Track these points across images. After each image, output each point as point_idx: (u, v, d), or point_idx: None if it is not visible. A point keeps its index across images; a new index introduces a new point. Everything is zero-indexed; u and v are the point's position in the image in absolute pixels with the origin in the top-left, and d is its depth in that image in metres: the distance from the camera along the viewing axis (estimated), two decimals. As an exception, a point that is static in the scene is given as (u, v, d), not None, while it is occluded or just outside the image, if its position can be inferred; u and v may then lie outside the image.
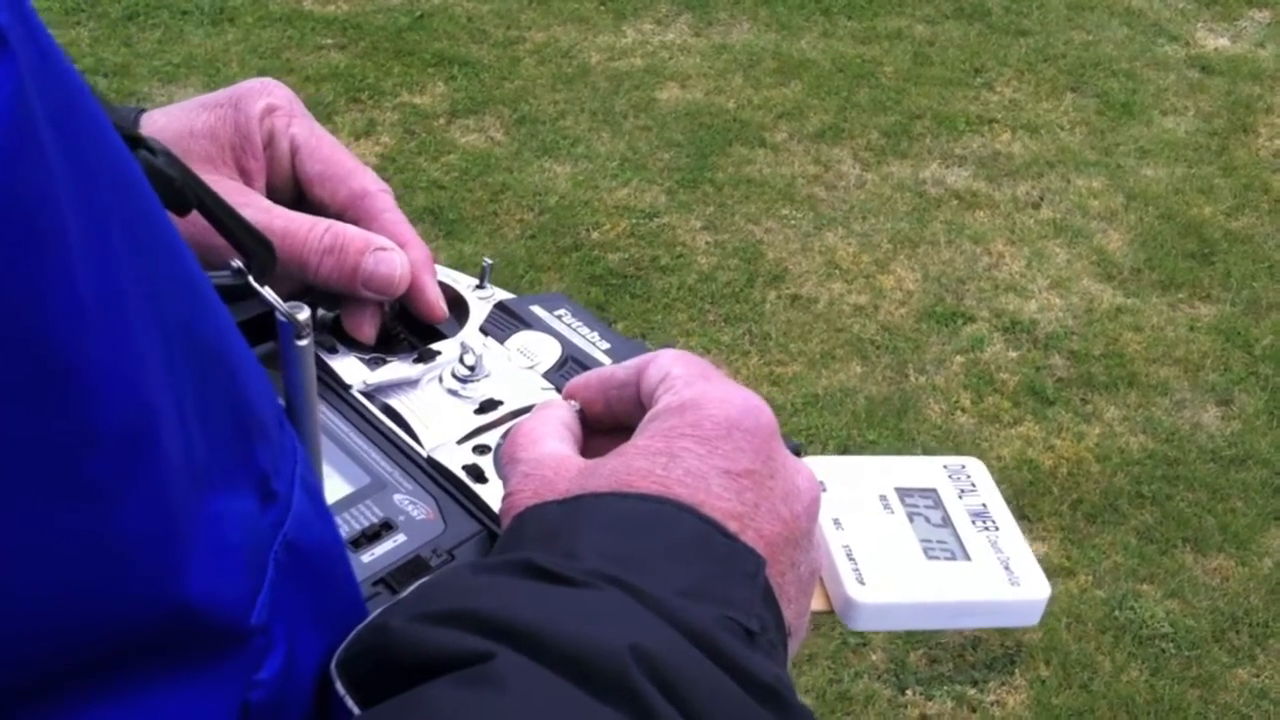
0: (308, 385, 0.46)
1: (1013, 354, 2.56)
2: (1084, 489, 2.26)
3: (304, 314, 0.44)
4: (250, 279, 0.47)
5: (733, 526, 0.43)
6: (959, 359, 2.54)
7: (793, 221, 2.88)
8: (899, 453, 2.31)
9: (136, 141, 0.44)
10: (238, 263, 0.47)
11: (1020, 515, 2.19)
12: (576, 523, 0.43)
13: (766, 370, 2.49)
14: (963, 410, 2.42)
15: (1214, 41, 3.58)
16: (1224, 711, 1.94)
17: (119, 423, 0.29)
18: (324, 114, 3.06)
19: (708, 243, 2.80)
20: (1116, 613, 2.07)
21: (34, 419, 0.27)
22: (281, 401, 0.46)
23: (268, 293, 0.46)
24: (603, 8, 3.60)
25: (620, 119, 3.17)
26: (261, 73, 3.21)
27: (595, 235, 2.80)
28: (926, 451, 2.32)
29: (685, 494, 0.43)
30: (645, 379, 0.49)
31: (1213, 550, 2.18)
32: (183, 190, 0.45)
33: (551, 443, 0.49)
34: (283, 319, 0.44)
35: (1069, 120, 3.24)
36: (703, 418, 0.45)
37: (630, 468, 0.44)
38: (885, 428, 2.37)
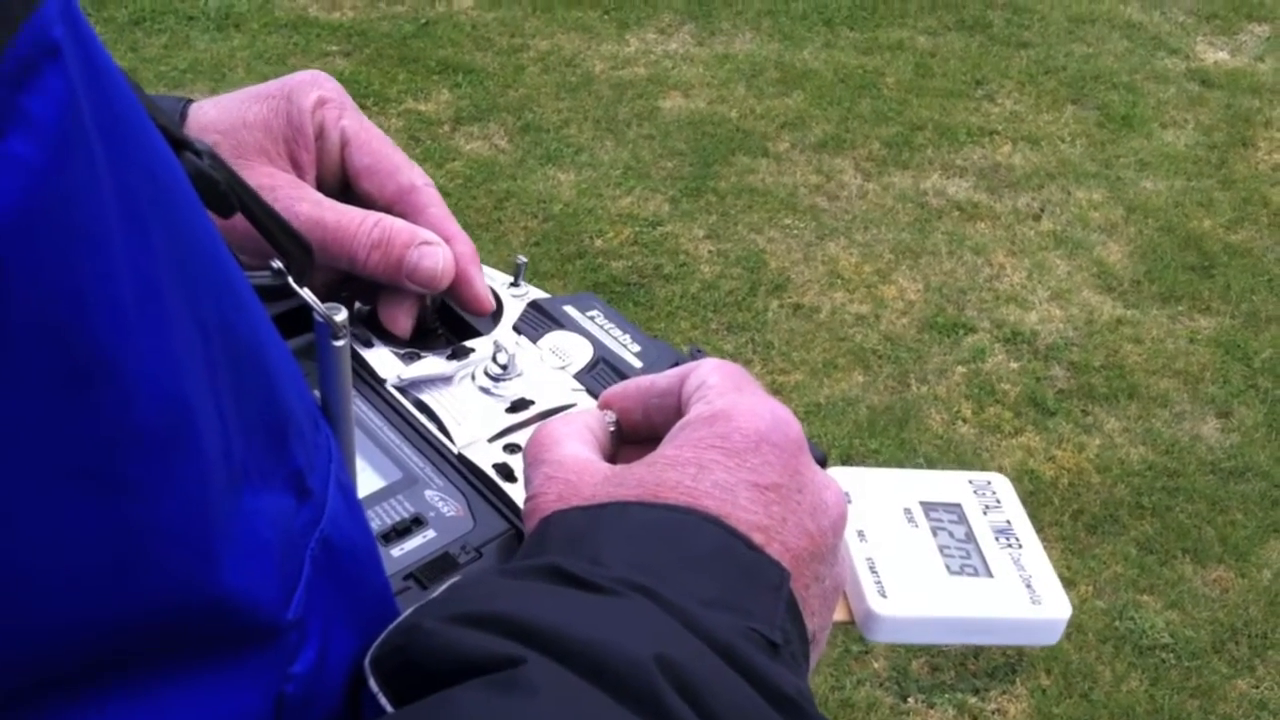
0: (343, 385, 0.46)
1: (1014, 365, 2.57)
2: (1084, 499, 2.28)
3: (341, 315, 0.45)
4: (290, 280, 0.47)
5: (758, 539, 0.44)
6: (960, 369, 2.55)
7: (795, 231, 2.89)
8: (901, 463, 2.32)
9: (182, 144, 0.44)
10: (277, 263, 0.48)
11: (1021, 525, 2.20)
12: (603, 530, 0.43)
13: (769, 379, 2.50)
14: (964, 420, 2.44)
15: (1213, 55, 3.61)
16: (1223, 722, 1.95)
17: (156, 420, 0.30)
18: (329, 120, 3.07)
19: (710, 251, 2.82)
20: (1117, 623, 2.08)
21: (73, 416, 0.27)
22: (317, 396, 0.47)
23: (306, 294, 0.46)
24: (606, 17, 3.62)
25: (624, 128, 3.18)
26: (266, 78, 3.21)
27: (599, 243, 2.81)
28: (929, 462, 2.33)
29: (713, 506, 0.44)
30: (686, 387, 0.50)
31: (1212, 562, 2.19)
32: (226, 193, 0.46)
33: (573, 444, 0.49)
34: (320, 319, 0.45)
35: (1069, 132, 3.26)
36: (732, 430, 0.46)
37: (659, 478, 0.45)
38: (887, 437, 2.38)
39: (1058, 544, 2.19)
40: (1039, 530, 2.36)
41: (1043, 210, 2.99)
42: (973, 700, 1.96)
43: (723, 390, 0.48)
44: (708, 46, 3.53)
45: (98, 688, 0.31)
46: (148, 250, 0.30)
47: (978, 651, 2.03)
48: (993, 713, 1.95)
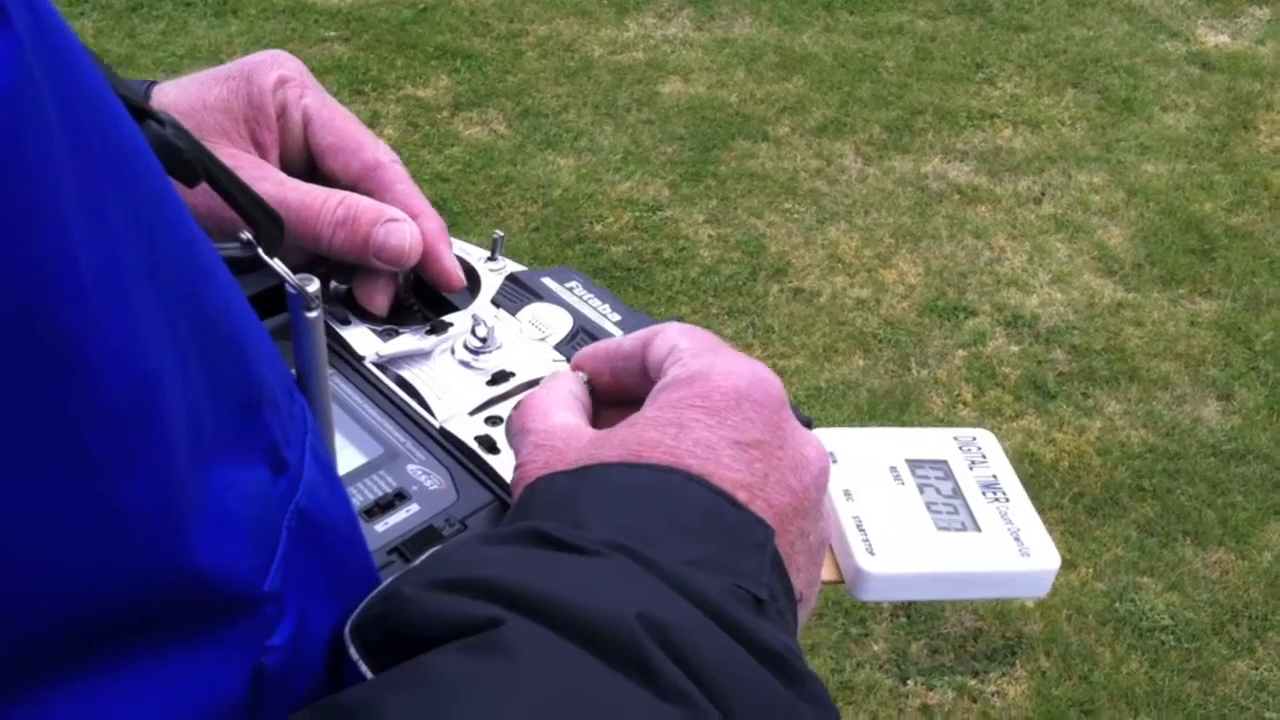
0: (318, 357, 0.46)
1: (1014, 348, 2.57)
2: (1085, 482, 2.27)
3: (313, 286, 0.44)
4: (260, 251, 0.47)
5: (742, 497, 0.43)
6: (961, 352, 2.55)
7: (795, 215, 2.88)
8: (901, 446, 2.32)
9: (144, 114, 0.44)
10: (246, 235, 0.47)
11: (1021, 508, 2.20)
12: (585, 492, 0.43)
13: (769, 363, 2.49)
14: (964, 404, 2.43)
15: (1214, 38, 3.59)
16: (1223, 703, 1.95)
17: (122, 396, 0.29)
18: (327, 106, 3.06)
19: (710, 236, 2.81)
20: (1117, 605, 2.08)
21: (35, 392, 0.27)
22: (293, 373, 0.47)
23: (277, 265, 0.46)
24: (604, 2, 3.61)
25: (623, 112, 3.17)
26: (265, 64, 3.21)
27: (599, 228, 2.81)
28: (928, 444, 2.33)
29: (695, 464, 0.44)
30: (652, 351, 0.50)
31: (1213, 544, 2.19)
32: (191, 162, 0.45)
33: (561, 414, 0.49)
34: (292, 291, 0.44)
35: (1070, 116, 3.25)
36: (711, 389, 0.46)
37: (640, 438, 0.45)
38: (887, 420, 2.38)
39: (1058, 526, 2.19)
40: (1040, 513, 2.36)
41: (1043, 194, 2.99)
42: (972, 682, 1.96)
43: (697, 351, 0.48)
44: (707, 31, 3.52)
45: (73, 666, 0.31)
46: (106, 222, 0.29)
47: (977, 634, 2.03)
48: (992, 695, 1.95)
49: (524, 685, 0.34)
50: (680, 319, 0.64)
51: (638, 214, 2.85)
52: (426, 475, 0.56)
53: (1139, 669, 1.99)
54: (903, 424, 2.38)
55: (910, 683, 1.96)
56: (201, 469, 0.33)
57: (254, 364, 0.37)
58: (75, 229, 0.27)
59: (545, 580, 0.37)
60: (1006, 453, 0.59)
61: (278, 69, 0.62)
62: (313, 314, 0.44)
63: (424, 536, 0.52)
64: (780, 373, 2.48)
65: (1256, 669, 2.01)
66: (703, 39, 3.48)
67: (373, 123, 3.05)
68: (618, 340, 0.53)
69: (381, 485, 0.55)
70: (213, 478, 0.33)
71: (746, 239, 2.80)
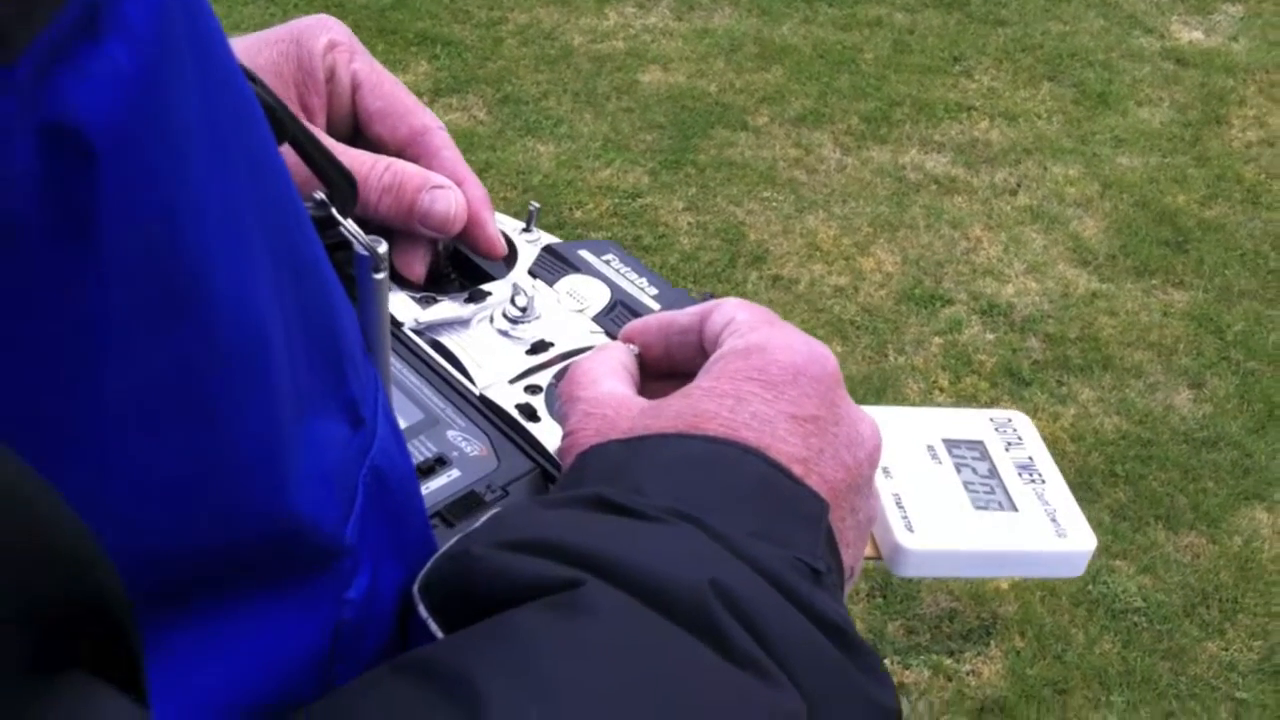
0: (383, 318, 0.46)
1: (990, 336, 2.59)
2: (1060, 468, 2.29)
3: (383, 247, 0.44)
4: (333, 211, 0.46)
5: (798, 470, 0.43)
6: (937, 340, 2.57)
7: (774, 204, 2.90)
8: (878, 431, 2.34)
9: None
10: (321, 194, 0.47)
11: (996, 493, 2.22)
12: (642, 461, 0.43)
13: (748, 349, 2.51)
14: (941, 390, 2.45)
15: (1188, 34, 3.63)
16: (1194, 683, 1.98)
17: (237, 343, 0.29)
18: (307, 90, 3.06)
19: (690, 223, 2.82)
20: (1090, 587, 2.10)
21: (160, 335, 0.27)
22: None
23: (349, 225, 0.45)
24: (585, -10, 3.61)
25: (603, 100, 3.18)
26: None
27: (579, 214, 2.81)
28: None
29: (752, 437, 0.43)
30: (709, 324, 0.50)
31: (1184, 528, 2.22)
32: (281, 121, 0.45)
33: (610, 382, 0.49)
34: (362, 252, 0.44)
35: (1046, 109, 3.28)
36: (769, 362, 0.45)
37: (696, 409, 0.44)
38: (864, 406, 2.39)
39: (1032, 511, 2.21)
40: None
41: (1019, 185, 3.01)
42: (948, 661, 1.98)
43: (754, 325, 0.48)
44: (686, 21, 3.53)
45: (165, 617, 0.31)
46: (230, 169, 0.29)
47: (953, 614, 2.05)
48: (967, 674, 1.97)
49: (610, 644, 0.34)
50: (714, 295, 0.64)
51: (617, 200, 2.86)
52: (467, 441, 0.56)
53: (1111, 649, 2.02)
54: (880, 409, 2.39)
55: (886, 661, 1.98)
56: (299, 419, 0.33)
57: (340, 320, 0.37)
58: (203, 173, 0.28)
59: (617, 544, 0.37)
60: (1041, 435, 0.59)
61: (327, 33, 0.62)
62: (380, 275, 0.44)
63: (465, 501, 0.52)
64: (759, 358, 2.49)
65: (1226, 650, 2.03)
66: (682, 29, 3.49)
67: (352, 108, 3.05)
68: (671, 314, 0.53)
69: (422, 450, 0.55)
70: (307, 428, 0.34)
71: (726, 226, 2.82)
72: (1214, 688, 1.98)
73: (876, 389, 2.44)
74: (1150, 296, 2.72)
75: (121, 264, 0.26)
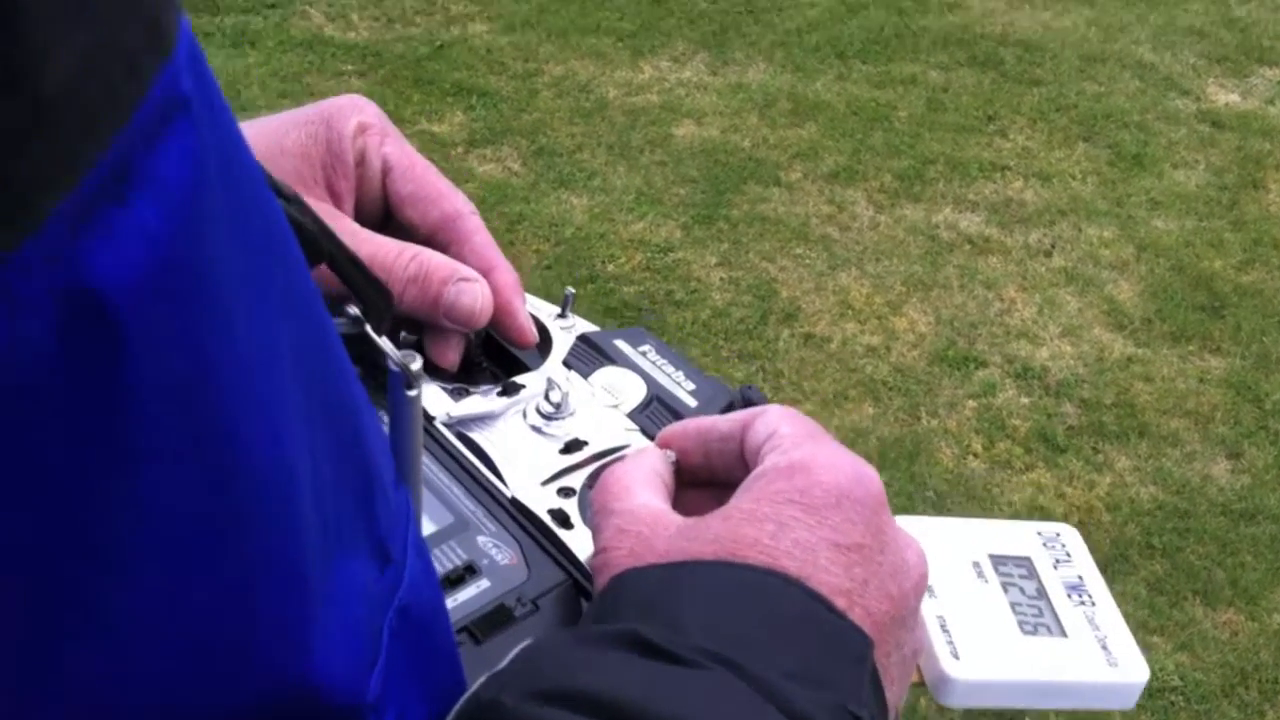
0: (416, 437, 0.44)
1: (1024, 400, 2.56)
2: (1095, 538, 2.26)
3: (417, 364, 0.42)
4: (368, 328, 0.44)
5: (840, 603, 0.41)
6: (971, 403, 2.54)
7: (806, 260, 2.89)
8: (910, 496, 2.31)
9: (276, 191, 0.43)
10: (355, 309, 0.44)
11: (1030, 562, 2.19)
12: (681, 592, 0.41)
13: (779, 408, 2.49)
14: (975, 455, 2.43)
15: (1225, 97, 3.62)
16: (1234, 766, 1.93)
17: (267, 496, 0.28)
18: (342, 139, 3.07)
19: (722, 279, 2.81)
20: (1126, 663, 2.06)
21: (189, 492, 0.26)
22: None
23: (384, 343, 0.43)
24: (620, 44, 3.63)
25: (636, 154, 3.18)
26: (281, 96, 3.22)
27: (611, 268, 2.81)
28: (939, 495, 2.32)
29: (793, 567, 0.42)
30: (751, 434, 0.48)
31: (1222, 604, 2.18)
32: (316, 241, 0.43)
33: (645, 494, 0.47)
34: (395, 369, 0.42)
35: (1081, 170, 3.27)
36: (812, 484, 0.44)
37: (736, 534, 0.43)
38: (897, 470, 2.37)
39: (1067, 582, 2.18)
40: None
41: (1054, 246, 2.99)
42: (981, 738, 1.95)
43: (798, 440, 0.46)
44: (721, 76, 3.54)
45: None
46: (263, 310, 0.28)
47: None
48: (1001, 751, 1.93)
49: None
50: (755, 389, 0.62)
51: (649, 254, 2.86)
52: (497, 548, 0.54)
53: (1148, 729, 1.98)
54: (912, 474, 2.37)
55: (917, 737, 1.94)
56: (325, 567, 0.31)
57: (369, 449, 0.36)
58: (238, 316, 0.26)
59: (648, 695, 0.36)
60: (1091, 551, 0.57)
61: (358, 115, 0.60)
62: (414, 392, 0.42)
63: (495, 616, 0.50)
64: (790, 418, 2.47)
65: (1267, 732, 1.99)
66: (717, 83, 3.50)
67: (386, 157, 3.06)
68: (712, 419, 0.51)
69: (451, 557, 0.53)
70: (334, 576, 0.32)
71: (758, 283, 2.81)
72: (1254, 772, 1.93)
73: (909, 452, 2.41)
74: (1186, 363, 2.69)
75: (148, 426, 0.24)
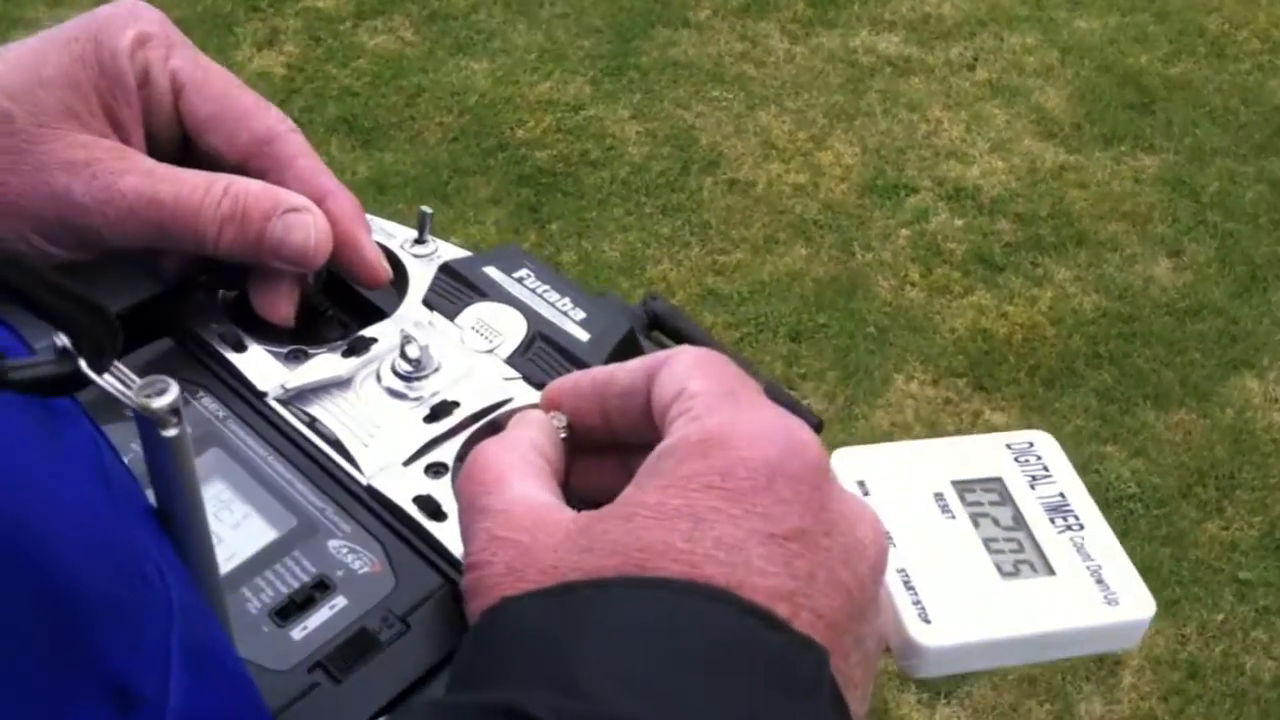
0: (186, 484, 0.34)
1: (958, 222, 2.49)
2: (1040, 354, 2.22)
3: (166, 398, 0.31)
4: (82, 363, 0.31)
5: (783, 611, 0.33)
6: (904, 232, 2.47)
7: (723, 103, 2.77)
8: (851, 335, 2.25)
9: None
10: (62, 340, 0.31)
11: (977, 386, 2.15)
12: (576, 633, 0.32)
13: (709, 260, 2.40)
14: (912, 284, 2.36)
15: (1139, -118, 3.48)
16: (1196, 567, 1.93)
17: None
18: (223, 26, 2.88)
19: (638, 132, 2.69)
20: (1082, 477, 2.04)
21: None
22: (151, 501, 0.34)
23: (108, 383, 0.32)
24: (506, -109, 3.42)
25: (536, 8, 3.02)
26: (55, 5, 3.01)
27: (520, 133, 2.68)
28: (880, 330, 2.26)
29: (719, 574, 0.33)
30: (658, 388, 0.39)
31: (1174, 405, 2.15)
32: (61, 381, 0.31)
33: (523, 483, 0.38)
34: (135, 412, 0.31)
35: (998, -25, 3.14)
36: (733, 463, 0.35)
37: (642, 540, 0.34)
38: (835, 309, 2.30)
39: (1016, 402, 2.14)
40: (996, 390, 2.29)
41: (976, 59, 2.89)
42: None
43: (711, 403, 0.37)
44: (616, -85, 3.35)
45: None
46: None
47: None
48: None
49: None
50: (659, 298, 0.51)
51: (560, 115, 2.72)
52: (354, 554, 0.44)
53: (1109, 540, 1.96)
54: (850, 311, 2.30)
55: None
56: None
57: (66, 573, 0.27)
58: None
59: None
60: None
61: (133, 25, 0.49)
62: (172, 432, 0.32)
63: (356, 643, 0.41)
64: (721, 269, 2.38)
65: (1227, 529, 1.98)
66: (612, -76, 3.31)
67: (272, 40, 2.88)
68: (608, 371, 0.41)
69: (297, 572, 0.43)
70: None
71: (675, 132, 2.69)
72: (1216, 570, 1.92)
73: (846, 290, 2.34)
74: (1120, 164, 2.62)
75: None
